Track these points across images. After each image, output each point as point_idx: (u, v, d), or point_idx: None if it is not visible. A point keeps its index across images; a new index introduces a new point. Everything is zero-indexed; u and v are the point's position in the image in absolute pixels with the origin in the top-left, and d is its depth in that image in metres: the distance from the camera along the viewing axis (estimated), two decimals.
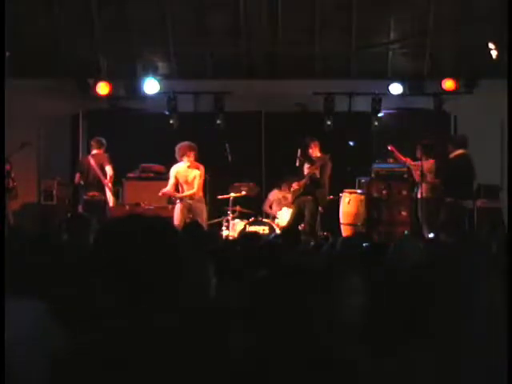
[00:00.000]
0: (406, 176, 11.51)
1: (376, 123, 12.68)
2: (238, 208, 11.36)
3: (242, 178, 11.53)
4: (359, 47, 12.55)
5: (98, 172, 11.04)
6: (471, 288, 2.60)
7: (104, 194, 11.05)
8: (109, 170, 11.09)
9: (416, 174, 10.89)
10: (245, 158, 12.07)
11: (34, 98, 12.51)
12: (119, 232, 1.95)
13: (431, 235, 9.61)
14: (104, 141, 11.28)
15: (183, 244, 2.02)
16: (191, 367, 1.81)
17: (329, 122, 12.63)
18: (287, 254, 5.84)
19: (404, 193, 11.64)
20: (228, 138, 11.99)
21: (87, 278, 2.84)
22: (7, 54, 11.14)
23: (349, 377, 2.22)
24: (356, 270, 4.03)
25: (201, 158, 10.76)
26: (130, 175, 11.94)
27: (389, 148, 11.24)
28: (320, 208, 11.03)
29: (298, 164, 11.33)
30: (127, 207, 11.33)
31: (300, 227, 10.62)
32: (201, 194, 10.76)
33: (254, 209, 11.76)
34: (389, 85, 12.52)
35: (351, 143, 11.67)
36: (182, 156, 10.65)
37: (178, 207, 10.68)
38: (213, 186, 11.22)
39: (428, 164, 10.79)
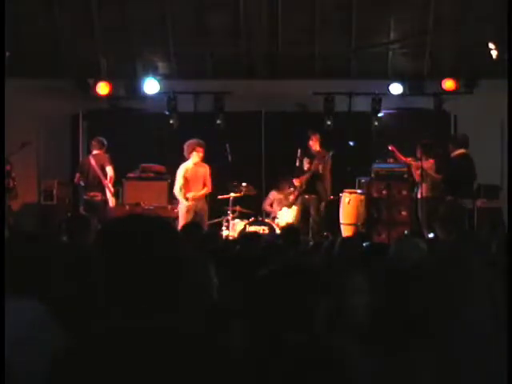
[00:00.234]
0: (405, 176, 11.51)
1: (376, 123, 12.68)
2: (237, 208, 11.36)
3: (241, 178, 11.52)
4: (359, 47, 12.55)
5: (99, 172, 11.03)
6: (470, 287, 2.60)
7: (104, 194, 11.05)
8: (109, 170, 11.09)
9: (416, 174, 10.89)
10: (245, 158, 12.07)
11: (34, 98, 12.50)
12: (119, 232, 1.95)
13: (431, 235, 9.61)
14: (105, 141, 11.28)
15: (183, 244, 2.03)
16: (191, 367, 1.81)
17: (329, 122, 12.63)
18: (287, 254, 5.84)
19: (404, 193, 11.65)
20: (228, 138, 11.98)
21: (87, 278, 2.85)
22: (7, 53, 11.15)
23: (349, 377, 2.22)
24: (356, 270, 4.04)
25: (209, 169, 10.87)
26: (130, 175, 11.94)
27: (389, 148, 11.24)
28: (322, 203, 11.07)
29: (297, 164, 11.35)
30: (127, 207, 11.33)
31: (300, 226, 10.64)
32: (202, 195, 10.83)
33: (253, 209, 11.76)
34: (389, 85, 12.52)
35: (351, 143, 11.67)
36: (191, 152, 10.70)
37: (182, 208, 10.69)
38: (213, 186, 11.22)
39: (428, 164, 10.80)
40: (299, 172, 11.32)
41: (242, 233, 10.24)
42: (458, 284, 2.70)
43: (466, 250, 5.15)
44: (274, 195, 12.00)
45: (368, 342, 2.60)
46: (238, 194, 11.34)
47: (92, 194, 11.07)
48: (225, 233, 10.99)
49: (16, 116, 11.65)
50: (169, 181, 11.80)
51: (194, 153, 10.70)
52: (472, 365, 2.47)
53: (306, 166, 11.23)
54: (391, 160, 11.63)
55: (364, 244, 5.61)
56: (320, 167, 10.93)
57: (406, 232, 10.94)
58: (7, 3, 9.98)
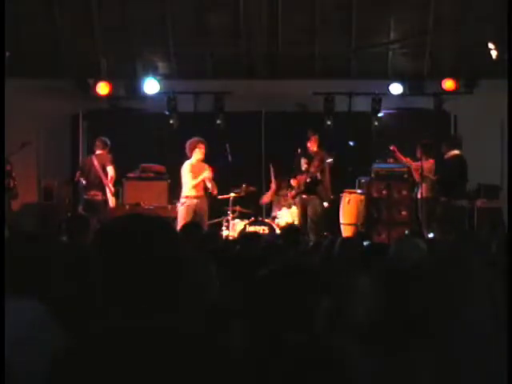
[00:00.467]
0: (406, 176, 11.52)
1: (376, 123, 12.68)
2: (237, 208, 11.36)
3: (241, 178, 11.52)
4: (359, 47, 12.55)
5: (100, 172, 11.03)
6: (470, 287, 2.60)
7: (105, 193, 11.04)
8: (110, 170, 11.08)
9: (416, 174, 10.90)
10: (245, 158, 12.07)
11: (34, 98, 12.50)
12: (119, 232, 1.95)
13: (431, 235, 9.62)
14: (108, 141, 11.27)
15: (183, 244, 2.03)
16: (191, 367, 1.81)
17: (329, 122, 12.63)
18: (287, 254, 5.84)
19: (404, 193, 11.65)
20: (228, 138, 11.99)
21: (87, 278, 2.85)
22: (7, 53, 11.15)
23: (349, 377, 2.22)
24: (356, 270, 4.04)
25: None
26: (130, 175, 11.93)
27: (390, 148, 11.25)
28: (325, 204, 11.05)
29: (295, 163, 11.34)
30: (127, 207, 11.34)
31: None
32: (202, 195, 10.82)
33: (253, 209, 11.76)
34: (389, 85, 12.52)
35: (351, 143, 11.67)
36: (193, 150, 10.71)
37: (183, 207, 10.66)
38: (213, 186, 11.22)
39: (428, 164, 10.81)
40: (297, 172, 11.31)
41: (242, 233, 10.23)
42: (457, 284, 2.70)
43: (465, 249, 5.16)
44: (272, 194, 12.01)
45: (368, 341, 2.60)
46: (237, 194, 11.34)
47: (92, 193, 11.06)
48: (225, 233, 10.99)
49: (16, 116, 11.65)
50: (169, 181, 11.80)
51: (197, 149, 10.71)
52: (472, 365, 2.47)
53: (303, 167, 11.20)
54: (391, 160, 11.63)
55: (364, 244, 5.61)
56: (318, 174, 10.92)
57: (406, 232, 10.94)
58: (7, 3, 9.99)
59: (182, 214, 10.61)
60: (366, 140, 12.42)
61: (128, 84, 12.75)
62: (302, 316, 2.35)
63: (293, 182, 11.31)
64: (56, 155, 12.89)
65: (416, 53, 12.67)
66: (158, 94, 12.64)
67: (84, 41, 12.52)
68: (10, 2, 10.60)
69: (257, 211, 11.77)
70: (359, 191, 11.72)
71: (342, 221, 11.54)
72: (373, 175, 11.79)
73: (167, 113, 12.71)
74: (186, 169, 10.78)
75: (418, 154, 10.84)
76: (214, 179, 10.91)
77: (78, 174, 11.44)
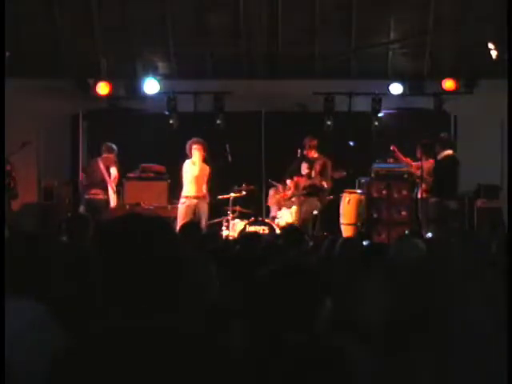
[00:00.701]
0: (405, 176, 11.52)
1: (376, 123, 12.68)
2: (238, 208, 11.36)
3: (241, 178, 11.52)
4: (359, 47, 12.55)
5: (104, 173, 11.06)
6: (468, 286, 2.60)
7: (106, 193, 11.05)
8: (113, 170, 11.12)
9: (416, 174, 10.91)
10: (245, 158, 12.07)
11: (34, 98, 12.50)
12: (119, 232, 1.95)
13: (429, 235, 9.62)
14: (114, 146, 11.27)
15: (183, 244, 2.03)
16: (191, 367, 1.81)
17: (329, 122, 12.63)
18: (287, 254, 5.84)
19: (404, 193, 11.65)
20: (228, 138, 11.99)
21: (87, 277, 2.85)
22: (7, 54, 11.15)
23: (349, 377, 2.22)
24: (356, 270, 4.04)
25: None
26: (130, 175, 11.94)
27: (390, 148, 11.25)
28: (317, 209, 11.06)
29: (295, 164, 11.34)
30: (127, 207, 11.34)
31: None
32: (205, 193, 10.84)
33: (253, 209, 11.76)
34: (389, 85, 12.52)
35: (351, 143, 11.68)
36: (191, 150, 10.77)
37: (182, 207, 10.68)
38: (213, 186, 11.22)
39: (428, 164, 10.81)
40: (296, 173, 11.31)
41: (242, 233, 10.23)
42: (457, 284, 2.70)
43: (465, 249, 5.15)
44: (273, 194, 12.01)
45: (368, 341, 2.60)
46: (238, 194, 11.34)
47: (93, 191, 11.06)
48: (225, 233, 10.99)
49: (16, 116, 11.64)
50: (169, 181, 11.81)
51: (193, 150, 10.76)
52: (472, 365, 2.47)
53: (304, 171, 11.22)
54: (391, 160, 11.63)
55: (364, 243, 5.61)
56: (325, 183, 10.98)
57: (406, 232, 10.94)
58: (7, 3, 9.98)
59: (181, 213, 10.64)
60: (365, 140, 12.42)
61: (128, 84, 12.75)
62: (301, 316, 2.35)
63: (289, 182, 11.30)
64: (56, 155, 12.88)
65: (416, 53, 12.67)
66: (158, 94, 12.64)
67: (84, 41, 12.52)
68: (10, 2, 10.59)
69: (257, 211, 11.77)
70: (359, 191, 11.72)
71: (342, 221, 11.54)
72: (373, 175, 11.79)
73: (167, 113, 12.71)
74: (183, 169, 10.83)
75: (418, 154, 10.84)
76: (214, 179, 10.93)
77: (81, 175, 11.47)
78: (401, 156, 11.24)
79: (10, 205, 10.71)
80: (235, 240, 9.03)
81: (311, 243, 8.07)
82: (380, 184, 11.65)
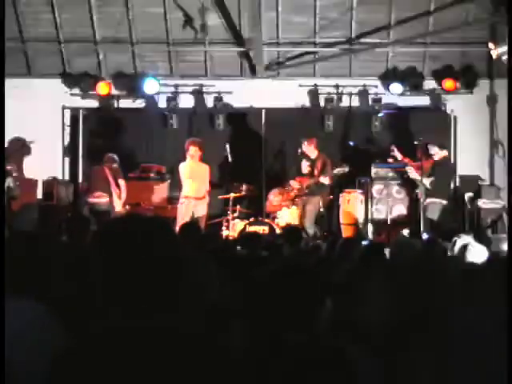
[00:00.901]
0: (406, 176, 11.52)
1: (376, 123, 12.68)
2: (238, 208, 11.36)
3: (241, 178, 11.52)
4: (359, 47, 12.54)
5: (113, 183, 11.17)
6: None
7: (110, 196, 11.10)
8: (122, 182, 11.25)
9: (416, 174, 10.91)
10: (245, 158, 12.07)
11: (35, 98, 12.49)
12: (119, 232, 1.95)
13: (424, 235, 9.62)
14: (116, 157, 11.34)
15: (183, 244, 2.03)
16: (191, 367, 1.81)
17: (329, 122, 12.63)
18: (288, 254, 5.84)
19: (404, 193, 11.66)
20: (228, 138, 11.98)
21: (87, 278, 2.85)
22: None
23: (349, 377, 2.22)
24: (356, 269, 4.03)
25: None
26: (130, 175, 11.94)
27: (391, 148, 11.26)
28: (321, 207, 11.07)
29: (296, 164, 11.34)
30: (127, 207, 11.34)
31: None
32: (205, 194, 10.81)
33: (253, 209, 11.76)
34: (389, 85, 12.52)
35: (351, 143, 11.68)
36: (187, 151, 10.75)
37: (181, 207, 10.65)
38: (213, 185, 11.23)
39: (428, 164, 10.81)
40: (298, 173, 11.31)
41: (242, 233, 10.23)
42: (457, 284, 2.70)
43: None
44: (273, 195, 11.99)
45: (368, 341, 2.60)
46: (238, 194, 11.34)
47: (97, 194, 11.08)
48: (225, 233, 10.99)
49: (16, 116, 11.65)
50: (169, 181, 11.81)
51: (190, 150, 10.71)
52: (472, 365, 2.47)
53: (306, 170, 11.21)
54: (391, 160, 11.63)
55: (363, 243, 5.61)
56: (328, 178, 10.97)
57: (406, 232, 10.95)
58: (7, 3, 9.98)
59: (180, 213, 10.61)
60: (365, 140, 12.42)
61: (128, 84, 12.74)
62: (301, 316, 2.35)
63: (292, 183, 11.29)
64: (56, 155, 12.88)
65: (416, 53, 12.67)
66: (158, 94, 12.64)
67: (84, 40, 12.51)
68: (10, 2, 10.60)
69: (257, 211, 11.76)
70: (359, 191, 11.72)
71: (342, 221, 11.54)
72: (373, 175, 11.79)
73: (167, 113, 12.71)
74: (180, 170, 10.80)
75: (418, 154, 10.84)
76: (214, 179, 10.92)
77: (83, 183, 11.53)
78: (401, 156, 11.25)
79: (10, 205, 10.71)
80: (235, 240, 9.03)
81: (311, 243, 8.09)
82: (380, 184, 11.65)
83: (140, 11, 12.15)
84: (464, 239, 4.96)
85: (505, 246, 7.51)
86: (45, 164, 12.72)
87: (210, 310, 3.10)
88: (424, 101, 12.79)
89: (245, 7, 11.92)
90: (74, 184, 12.64)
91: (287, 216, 11.28)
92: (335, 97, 12.64)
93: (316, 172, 11.08)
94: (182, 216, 10.50)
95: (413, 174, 10.82)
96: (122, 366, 1.80)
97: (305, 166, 11.17)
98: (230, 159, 11.50)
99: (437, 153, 10.73)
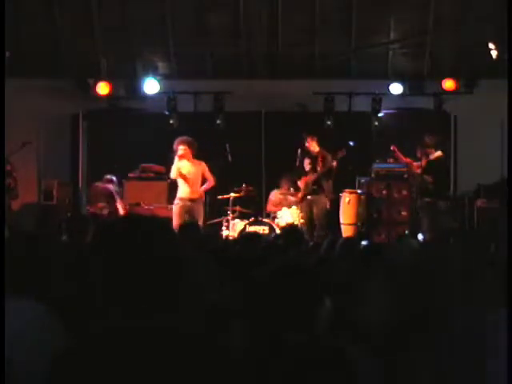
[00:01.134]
0: (405, 176, 11.52)
1: (376, 123, 12.68)
2: (238, 208, 11.35)
3: (241, 178, 11.52)
4: (359, 47, 12.55)
5: (118, 198, 11.35)
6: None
7: (112, 206, 11.19)
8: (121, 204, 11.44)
9: (413, 175, 10.92)
10: (245, 158, 12.07)
11: (34, 98, 12.50)
12: (119, 232, 1.95)
13: (420, 236, 9.62)
14: (114, 178, 11.63)
15: (183, 244, 2.03)
16: (191, 367, 1.81)
17: (329, 122, 12.63)
18: (288, 254, 5.84)
19: (404, 193, 11.66)
20: (228, 138, 11.99)
21: (87, 278, 2.85)
22: (7, 54, 11.15)
23: (349, 377, 2.22)
24: (356, 269, 4.03)
25: (201, 158, 10.75)
26: (130, 175, 11.95)
27: (391, 148, 11.26)
28: (328, 204, 11.11)
29: (298, 164, 11.35)
30: (127, 207, 11.35)
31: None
32: (201, 194, 10.69)
33: (253, 209, 11.76)
34: (389, 85, 12.52)
35: (351, 143, 11.68)
36: (177, 151, 10.56)
37: (175, 208, 10.53)
38: (213, 186, 11.21)
39: (424, 164, 10.81)
40: (301, 173, 11.33)
41: (242, 233, 10.23)
42: (457, 284, 2.70)
43: (465, 249, 5.15)
44: (274, 195, 12.00)
45: (368, 341, 2.60)
46: (238, 194, 11.34)
47: (100, 205, 11.14)
48: (225, 233, 10.99)
49: (16, 116, 11.65)
50: (169, 181, 11.80)
51: (179, 150, 10.53)
52: (472, 365, 2.47)
53: (307, 167, 11.23)
54: (391, 160, 11.63)
55: (363, 243, 5.61)
56: (333, 162, 10.97)
57: (406, 232, 10.95)
58: (7, 3, 9.98)
59: (174, 214, 10.41)
60: (365, 140, 12.42)
61: (128, 84, 12.74)
62: (301, 316, 2.35)
63: (299, 183, 11.33)
64: (56, 155, 12.89)
65: (416, 53, 12.67)
66: (158, 94, 12.64)
67: (84, 41, 12.52)
68: (9, 2, 10.60)
69: (257, 211, 11.76)
70: (359, 191, 11.72)
71: (342, 221, 11.54)
72: (373, 175, 11.80)
73: (167, 113, 12.71)
74: (172, 170, 10.62)
75: (418, 154, 10.84)
76: (214, 179, 10.87)
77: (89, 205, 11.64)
78: (401, 156, 11.24)
79: (10, 205, 10.71)
80: (235, 240, 9.03)
81: (311, 243, 8.08)
82: (380, 184, 11.65)
83: (140, 11, 12.16)
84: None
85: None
86: (45, 164, 12.73)
87: (210, 310, 3.10)
88: (424, 101, 12.79)
89: (245, 7, 11.93)
90: (74, 184, 12.64)
91: (287, 216, 11.28)
92: (335, 97, 12.64)
93: (318, 168, 11.11)
94: (177, 217, 10.32)
95: (413, 173, 10.83)
96: (122, 366, 1.80)
97: (306, 163, 11.21)
98: (229, 159, 11.50)
99: (432, 152, 10.73)
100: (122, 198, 11.57)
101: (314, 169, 11.18)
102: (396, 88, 12.51)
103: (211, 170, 10.82)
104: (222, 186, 11.34)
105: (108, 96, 12.69)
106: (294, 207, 11.33)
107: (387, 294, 2.84)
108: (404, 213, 11.61)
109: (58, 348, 2.00)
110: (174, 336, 1.84)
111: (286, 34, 12.43)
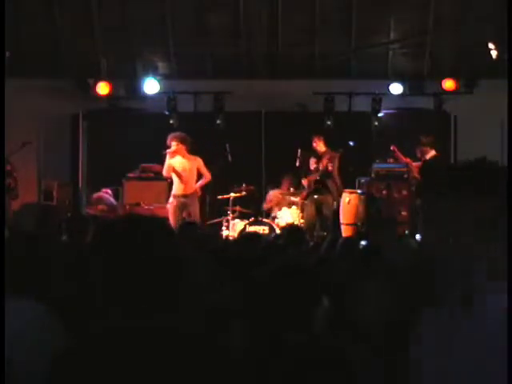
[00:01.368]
0: (405, 176, 11.52)
1: (376, 123, 12.68)
2: (238, 208, 11.36)
3: (241, 178, 11.52)
4: (359, 47, 12.55)
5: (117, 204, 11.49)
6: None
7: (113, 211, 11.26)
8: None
9: (416, 174, 10.92)
10: (245, 158, 12.07)
11: (34, 98, 12.50)
12: (119, 232, 1.95)
13: (417, 236, 9.61)
14: (110, 198, 11.80)
15: (183, 244, 2.03)
16: (191, 367, 1.81)
17: (329, 122, 12.63)
18: (288, 254, 5.84)
19: (404, 193, 11.66)
20: (228, 138, 11.98)
21: (87, 278, 2.85)
22: (7, 53, 11.15)
23: (349, 377, 2.22)
24: (356, 269, 4.04)
25: (201, 158, 10.77)
26: (130, 175, 11.94)
27: (391, 148, 11.26)
28: (334, 204, 11.13)
29: (298, 164, 11.36)
30: (127, 207, 11.35)
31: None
32: (195, 190, 10.62)
33: (253, 209, 11.76)
34: (389, 85, 12.52)
35: (351, 143, 11.68)
36: (170, 147, 10.55)
37: (170, 207, 10.50)
38: (213, 186, 11.22)
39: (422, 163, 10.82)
40: (305, 172, 11.36)
41: (242, 233, 10.23)
42: (457, 283, 2.70)
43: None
44: (272, 196, 12.00)
45: (368, 341, 2.60)
46: (238, 194, 11.34)
47: (100, 207, 11.18)
48: (225, 233, 10.99)
49: (16, 116, 11.65)
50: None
51: (172, 147, 10.48)
52: (472, 365, 2.47)
53: (312, 166, 11.28)
54: (391, 160, 11.63)
55: (363, 243, 5.61)
56: (329, 166, 10.99)
57: (406, 232, 10.94)
58: (7, 3, 9.98)
59: (170, 213, 10.40)
60: (365, 140, 12.42)
61: (128, 84, 12.74)
62: (301, 316, 2.35)
63: (304, 182, 11.36)
64: (56, 155, 12.89)
65: (416, 53, 12.67)
66: (158, 94, 12.64)
67: (84, 41, 12.52)
68: (9, 2, 10.60)
69: (257, 211, 11.77)
70: (359, 191, 11.71)
71: (342, 221, 11.53)
72: (373, 175, 11.79)
73: (167, 113, 12.71)
74: (165, 167, 10.56)
75: (418, 154, 10.85)
76: (214, 179, 10.87)
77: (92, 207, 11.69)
78: (401, 156, 11.24)
79: (9, 205, 10.71)
80: (235, 240, 9.03)
81: (311, 243, 8.08)
82: (380, 184, 11.65)
83: (140, 11, 12.16)
84: None
85: None
86: (45, 164, 12.74)
87: (210, 310, 3.10)
88: (424, 101, 12.79)
89: (245, 7, 11.93)
90: (74, 184, 12.64)
91: (287, 216, 11.28)
92: (335, 97, 12.64)
93: (321, 167, 11.14)
94: (172, 216, 10.29)
95: (413, 174, 10.83)
96: (122, 366, 1.80)
97: (312, 162, 11.26)
98: (229, 159, 11.50)
99: (428, 152, 10.73)
100: (120, 204, 11.67)
101: (319, 168, 11.22)
102: (396, 88, 12.51)
103: (210, 169, 10.82)
104: (221, 186, 11.34)
105: (108, 96, 12.69)
106: (294, 207, 11.33)
107: (387, 293, 2.84)
108: (404, 213, 11.61)
109: (58, 348, 2.00)
110: (174, 336, 1.84)
111: (285, 34, 12.43)
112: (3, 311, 2.43)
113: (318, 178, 11.10)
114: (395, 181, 11.63)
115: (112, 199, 11.67)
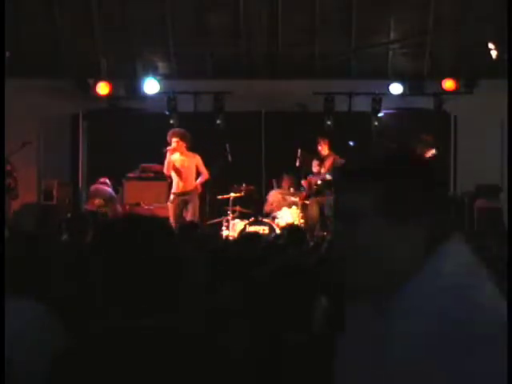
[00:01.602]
0: None
1: (376, 123, 12.68)
2: (238, 208, 11.35)
3: (241, 178, 11.52)
4: (359, 47, 12.55)
5: (116, 200, 11.47)
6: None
7: (112, 205, 11.22)
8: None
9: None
10: (245, 158, 12.07)
11: (34, 98, 12.50)
12: (119, 232, 1.95)
13: None
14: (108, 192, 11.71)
15: (183, 244, 2.03)
16: (191, 367, 1.81)
17: (329, 122, 12.63)
18: (288, 254, 5.84)
19: None
20: (228, 138, 11.98)
21: (87, 277, 2.85)
22: (7, 53, 11.15)
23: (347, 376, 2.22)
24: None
25: (200, 157, 10.79)
26: (130, 175, 11.94)
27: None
28: None
29: (298, 164, 11.36)
30: (127, 207, 11.35)
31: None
32: (195, 186, 10.63)
33: (253, 209, 11.76)
34: (389, 85, 12.52)
35: (351, 143, 11.67)
36: (171, 144, 10.58)
37: (170, 206, 10.51)
38: (213, 186, 11.22)
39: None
40: (305, 172, 11.37)
41: (242, 233, 10.23)
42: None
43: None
44: (272, 196, 11.99)
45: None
46: (238, 194, 11.34)
47: (97, 201, 11.14)
48: (225, 233, 10.98)
49: (16, 116, 11.65)
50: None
51: (173, 143, 10.51)
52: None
53: (315, 169, 11.30)
54: None
55: None
56: (328, 176, 11.01)
57: None
58: (7, 3, 9.98)
59: (170, 212, 10.43)
60: (365, 140, 12.42)
61: (128, 84, 12.74)
62: (301, 316, 2.35)
63: (304, 183, 11.36)
64: (56, 155, 12.89)
65: (416, 53, 12.67)
66: (158, 94, 12.63)
67: (84, 41, 12.52)
68: (9, 2, 10.60)
69: (257, 211, 11.76)
70: None
71: None
72: None
73: (167, 113, 12.71)
74: (166, 164, 10.59)
75: (418, 153, 10.85)
76: (214, 179, 10.88)
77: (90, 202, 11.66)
78: None
79: (10, 205, 10.71)
80: (235, 240, 9.03)
81: (311, 243, 8.08)
82: None
83: (140, 11, 12.16)
84: None
85: None
86: (45, 164, 12.74)
87: (210, 310, 3.10)
88: (424, 101, 12.79)
89: (245, 7, 11.93)
90: (74, 184, 12.64)
91: (287, 216, 11.28)
92: (335, 97, 12.64)
93: (323, 170, 11.16)
94: (172, 215, 10.33)
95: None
96: (122, 366, 1.80)
97: (315, 165, 11.28)
98: (229, 159, 11.50)
99: (427, 151, 10.73)
100: (120, 199, 11.59)
101: (321, 171, 11.25)
102: (396, 88, 12.51)
103: (210, 169, 10.83)
104: (221, 186, 11.34)
105: (108, 96, 12.69)
106: (294, 207, 11.33)
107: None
108: None
109: (58, 348, 2.00)
110: (174, 336, 1.84)
111: (285, 34, 12.43)
112: (3, 311, 2.43)
113: (319, 182, 11.12)
114: None
115: (110, 189, 11.56)
